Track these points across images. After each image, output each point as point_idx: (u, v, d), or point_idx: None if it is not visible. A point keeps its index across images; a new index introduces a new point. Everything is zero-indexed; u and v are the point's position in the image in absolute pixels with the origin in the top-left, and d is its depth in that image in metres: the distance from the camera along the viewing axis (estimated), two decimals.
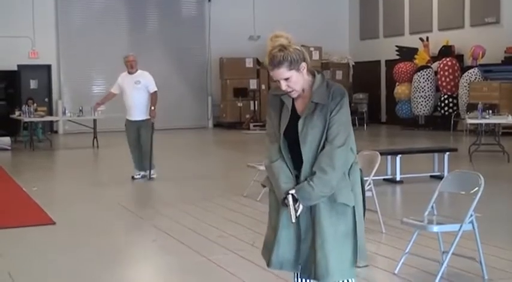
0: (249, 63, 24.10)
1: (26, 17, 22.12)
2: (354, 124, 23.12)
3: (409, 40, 23.20)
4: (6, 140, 17.63)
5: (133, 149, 11.41)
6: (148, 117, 11.20)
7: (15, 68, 22.18)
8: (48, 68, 22.92)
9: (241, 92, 23.59)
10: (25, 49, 22.30)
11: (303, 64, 3.46)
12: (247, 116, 23.55)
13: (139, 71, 11.29)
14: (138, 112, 11.18)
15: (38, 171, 13.63)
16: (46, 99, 22.81)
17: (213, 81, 24.77)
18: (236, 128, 22.97)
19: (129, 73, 11.24)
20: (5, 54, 21.66)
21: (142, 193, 10.67)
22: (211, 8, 24.66)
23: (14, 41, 21.91)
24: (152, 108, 11.16)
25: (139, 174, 11.43)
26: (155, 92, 11.21)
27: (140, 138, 11.29)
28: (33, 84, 22.83)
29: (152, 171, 11.39)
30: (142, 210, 8.76)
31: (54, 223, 7.99)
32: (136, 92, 11.14)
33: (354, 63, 25.23)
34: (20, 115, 18.58)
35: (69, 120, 19.21)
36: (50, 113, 21.11)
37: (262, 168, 9.25)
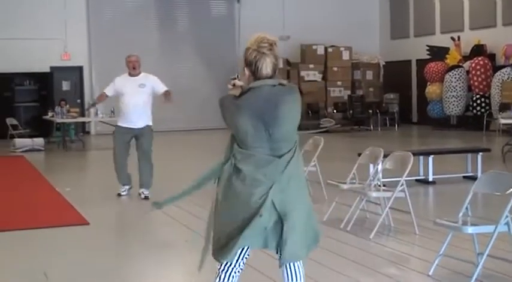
0: (280, 64, 24.04)
1: (58, 19, 22.35)
2: (384, 124, 23.13)
3: (440, 39, 23.01)
4: (39, 141, 17.83)
5: (121, 159, 9.98)
6: (151, 123, 10.01)
7: (48, 70, 22.42)
8: (80, 69, 23.13)
9: None
10: (57, 51, 22.54)
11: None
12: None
13: (142, 74, 10.02)
14: (140, 118, 9.86)
15: (71, 171, 13.77)
16: (78, 101, 23.02)
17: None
18: None
19: (131, 75, 9.92)
20: (38, 56, 21.91)
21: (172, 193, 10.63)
22: (241, 8, 24.70)
23: (47, 43, 22.15)
24: (169, 93, 9.93)
25: (124, 190, 10.12)
26: (168, 90, 9.98)
27: (138, 148, 9.99)
28: (65, 85, 23.06)
29: (147, 191, 9.91)
30: (175, 211, 8.78)
31: (88, 223, 8.07)
32: (140, 97, 9.84)
33: (384, 63, 25.08)
34: (52, 116, 18.79)
35: (101, 121, 19.35)
36: (82, 114, 21.26)
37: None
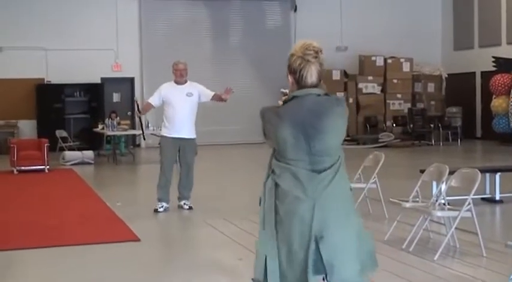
0: (336, 75, 24.00)
1: (109, 30, 22.69)
2: (446, 139, 22.82)
3: (507, 50, 22.64)
4: (89, 154, 18.08)
5: (167, 172, 10.04)
6: (195, 135, 10.09)
7: (99, 81, 22.76)
8: (131, 80, 23.41)
9: None
10: (108, 62, 22.88)
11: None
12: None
13: (188, 82, 10.10)
14: (187, 129, 9.93)
15: (121, 185, 13.92)
16: (129, 113, 23.23)
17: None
18: None
19: (177, 83, 9.98)
20: (88, 67, 22.26)
21: (226, 210, 10.61)
22: (297, 18, 24.73)
23: (98, 54, 22.51)
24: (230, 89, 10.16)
25: (162, 207, 10.07)
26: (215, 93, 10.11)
27: (182, 160, 10.11)
28: (116, 97, 23.36)
29: (189, 201, 10.26)
30: (228, 228, 8.79)
31: (139, 240, 8.12)
32: (189, 106, 9.92)
33: (447, 75, 24.78)
34: (103, 129, 19.05)
35: (152, 134, 19.49)
36: (132, 126, 21.52)
37: (353, 185, 9.14)
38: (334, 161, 3.53)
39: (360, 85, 24.10)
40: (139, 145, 22.98)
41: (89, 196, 12.08)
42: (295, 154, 3.53)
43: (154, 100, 10.09)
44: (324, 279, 3.48)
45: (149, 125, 19.34)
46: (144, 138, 18.56)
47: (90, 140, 21.13)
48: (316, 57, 3.58)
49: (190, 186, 10.21)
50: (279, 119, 3.57)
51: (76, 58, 22.18)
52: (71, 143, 20.17)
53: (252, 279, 3.64)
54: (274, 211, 3.57)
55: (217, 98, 10.12)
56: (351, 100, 23.90)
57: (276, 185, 3.56)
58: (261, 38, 24.19)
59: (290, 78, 3.63)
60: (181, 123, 9.88)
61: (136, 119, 16.72)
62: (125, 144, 20.02)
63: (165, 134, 10.01)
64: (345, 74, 24.16)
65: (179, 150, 10.01)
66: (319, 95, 3.57)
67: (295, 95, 3.59)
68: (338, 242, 3.46)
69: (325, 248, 3.44)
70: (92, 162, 17.85)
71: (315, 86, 3.58)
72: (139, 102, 11.65)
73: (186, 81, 10.03)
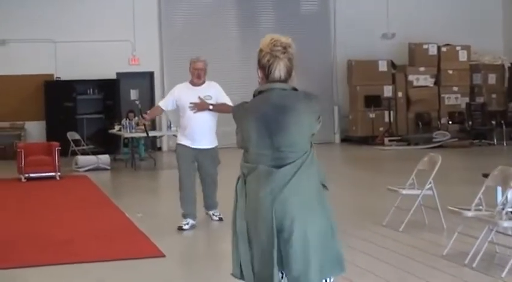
0: (383, 66, 23.89)
1: (125, 19, 22.78)
2: (510, 138, 22.56)
3: None
4: (104, 159, 18.18)
5: (188, 184, 9.71)
6: (216, 143, 9.82)
7: (114, 76, 22.88)
8: (150, 75, 23.51)
9: (373, 101, 23.40)
10: (125, 54, 22.99)
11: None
12: (381, 128, 23.32)
13: (206, 82, 9.78)
14: (205, 138, 9.65)
15: (142, 194, 13.96)
16: (148, 112, 23.32)
17: (339, 88, 24.70)
18: (368, 143, 22.77)
19: (193, 84, 9.71)
20: (102, 60, 22.37)
21: None
22: (337, 2, 24.64)
23: (113, 46, 22.61)
24: (208, 105, 9.59)
25: (187, 223, 9.73)
26: (230, 105, 9.32)
27: (202, 171, 9.88)
28: (133, 94, 23.46)
29: (217, 211, 10.13)
30: None
31: (163, 255, 8.13)
32: (206, 111, 9.60)
33: (510, 65, 24.53)
34: (119, 130, 19.11)
35: (175, 136, 19.50)
36: (153, 127, 21.59)
37: (406, 192, 9.16)
38: (298, 156, 3.87)
39: (410, 77, 23.95)
40: (160, 148, 23.07)
41: (106, 206, 12.14)
42: (258, 149, 3.91)
43: (165, 104, 9.84)
44: (282, 275, 3.88)
45: (171, 125, 19.37)
46: (148, 151, 18.82)
47: (106, 143, 21.24)
48: (284, 52, 3.95)
49: (214, 194, 10.08)
50: (244, 114, 4.00)
51: (89, 51, 22.30)
52: (84, 147, 20.30)
53: (231, 274, 4.04)
54: (243, 214, 3.95)
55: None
56: (400, 94, 23.79)
57: (245, 186, 3.96)
58: (295, 27, 23.98)
59: (259, 74, 4.03)
60: (198, 132, 9.58)
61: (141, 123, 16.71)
62: (145, 148, 20.08)
63: (181, 142, 9.72)
64: (392, 64, 24.03)
65: (197, 161, 9.75)
66: (284, 89, 3.95)
67: (260, 90, 4.00)
68: (296, 238, 3.79)
69: (283, 243, 3.80)
70: (108, 167, 17.94)
71: (283, 81, 3.96)
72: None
73: (204, 82, 9.74)
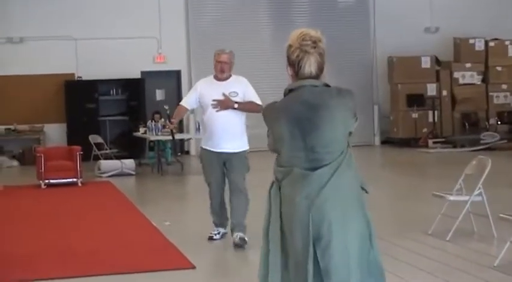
0: (426, 62, 23.77)
1: (150, 14, 22.87)
2: None
3: None
4: (129, 163, 18.27)
5: (216, 193, 9.43)
6: (246, 147, 9.29)
7: (139, 75, 22.99)
8: (177, 74, 23.60)
9: (416, 100, 23.30)
10: (150, 52, 23.09)
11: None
12: (425, 130, 23.20)
13: (233, 77, 9.31)
14: (231, 141, 9.11)
15: (169, 201, 14.01)
16: (173, 115, 23.41)
17: (379, 87, 24.61)
18: (411, 146, 22.66)
19: (217, 79, 9.24)
20: (126, 59, 22.47)
21: None
22: None
23: (137, 43, 22.69)
24: (233, 103, 9.09)
25: (218, 233, 9.64)
26: (259, 105, 8.98)
27: (228, 178, 9.35)
28: (159, 94, 23.52)
29: (244, 233, 9.27)
30: None
31: (194, 267, 8.16)
32: (231, 110, 9.08)
33: None
34: (145, 133, 19.20)
35: None
36: (180, 129, 21.63)
37: (453, 198, 9.11)
38: (335, 157, 3.91)
39: (456, 74, 23.81)
40: (188, 152, 23.13)
41: (131, 214, 12.21)
42: (292, 151, 3.96)
43: (188, 102, 9.39)
44: None
45: (200, 127, 19.37)
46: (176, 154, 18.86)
47: (130, 146, 21.34)
48: (314, 47, 4.01)
49: (242, 212, 9.26)
50: (275, 114, 4.06)
51: (111, 49, 22.41)
52: (108, 151, 20.37)
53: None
54: (280, 220, 3.99)
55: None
56: (444, 93, 23.66)
57: (280, 191, 4.01)
58: (331, 20, 23.98)
59: (289, 71, 4.10)
60: (221, 133, 9.04)
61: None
62: (172, 151, 20.12)
63: (204, 146, 9.34)
64: (436, 60, 23.90)
65: (225, 165, 9.26)
66: (316, 86, 4.00)
67: (291, 88, 4.06)
68: (335, 245, 3.82)
69: (321, 252, 3.81)
70: (133, 173, 18.03)
71: (314, 77, 4.02)
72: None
73: (229, 76, 9.27)
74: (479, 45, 23.98)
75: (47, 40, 22.22)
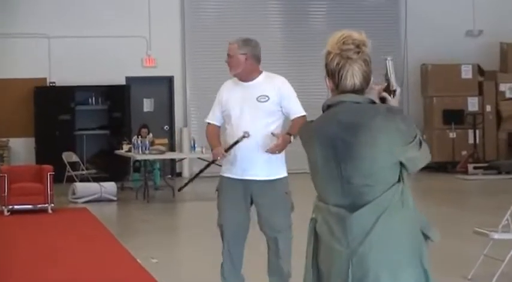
0: (466, 72, 23.77)
1: (139, 10, 23.03)
2: None
3: None
4: (110, 187, 18.24)
5: (233, 245, 7.85)
6: (284, 173, 7.84)
7: (123, 82, 23.09)
8: (169, 81, 23.66)
9: (454, 116, 23.29)
10: (137, 54, 23.17)
11: None
12: (464, 152, 23.16)
13: (263, 75, 7.98)
14: (258, 163, 7.67)
15: (158, 233, 13.95)
16: (166, 127, 23.43)
17: (411, 100, 24.58)
18: (447, 171, 22.66)
19: (241, 79, 7.95)
20: (109, 61, 22.61)
21: None
22: None
23: (123, 43, 22.77)
24: (289, 137, 7.68)
25: None
26: (304, 116, 7.80)
27: (261, 222, 7.82)
28: (147, 105, 23.57)
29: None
30: None
31: None
32: (260, 119, 7.73)
33: None
34: (129, 150, 19.16)
35: (200, 158, 19.55)
36: (171, 147, 21.61)
37: (499, 236, 9.05)
38: (379, 193, 3.73)
39: (502, 87, 23.80)
40: (180, 174, 23.10)
41: (112, 248, 12.16)
42: (326, 182, 3.86)
43: (216, 116, 8.08)
44: None
45: (195, 145, 19.40)
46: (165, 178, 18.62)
47: (111, 166, 21.34)
48: (358, 52, 3.87)
49: (283, 272, 7.86)
50: (308, 136, 3.96)
51: (91, 49, 22.49)
52: (84, 172, 20.36)
53: None
54: (312, 266, 3.93)
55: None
56: (488, 108, 23.62)
57: (315, 232, 3.92)
58: (355, 21, 23.98)
59: (329, 83, 3.97)
60: (248, 152, 7.65)
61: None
62: (161, 173, 20.11)
63: (224, 173, 7.92)
64: (479, 70, 23.90)
65: (252, 202, 7.85)
66: (358, 102, 3.85)
67: (329, 104, 3.93)
68: None
69: None
70: (114, 198, 18.01)
71: (358, 90, 3.88)
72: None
73: (258, 74, 7.93)
74: None
75: (13, 38, 22.26)
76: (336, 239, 3.74)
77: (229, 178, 7.79)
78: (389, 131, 3.75)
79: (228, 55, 8.00)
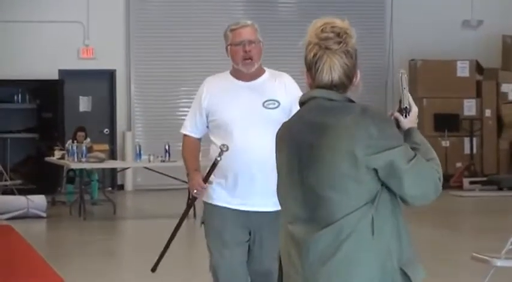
0: (463, 69, 23.90)
1: None
2: None
3: None
4: (39, 201, 18.08)
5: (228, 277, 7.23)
6: None
7: (56, 76, 23.03)
8: (110, 75, 23.67)
9: (448, 122, 23.40)
10: (73, 43, 23.12)
11: None
12: (459, 164, 23.27)
13: (267, 73, 7.25)
14: (263, 189, 6.84)
15: (96, 257, 13.90)
16: (106, 131, 23.37)
17: (396, 102, 24.39)
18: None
19: (239, 77, 7.16)
20: (38, 52, 22.52)
21: None
22: None
23: (55, 30, 22.71)
24: None
25: None
26: None
27: (257, 261, 7.17)
28: (84, 104, 23.52)
29: None
30: None
31: None
32: (266, 133, 6.57)
33: None
34: (62, 158, 19.10)
35: (147, 168, 19.53)
36: (112, 154, 21.57)
37: (502, 263, 9.08)
38: (343, 213, 3.67)
39: (504, 87, 23.93)
40: (123, 187, 23.03)
41: (41, 273, 12.06)
42: (287, 189, 3.87)
43: (196, 126, 7.27)
44: None
45: (141, 152, 19.33)
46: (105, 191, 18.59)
47: (41, 176, 21.24)
48: (340, 42, 3.88)
49: None
50: (278, 139, 4.00)
51: (17, 36, 22.40)
52: (8, 182, 20.27)
53: None
54: None
55: None
56: (487, 113, 23.74)
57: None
58: (333, 5, 24.09)
59: (307, 77, 3.97)
60: (249, 176, 7.06)
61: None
62: (100, 186, 20.04)
63: (214, 200, 7.15)
64: (477, 67, 24.03)
65: (250, 239, 7.22)
66: (331, 99, 3.85)
67: (301, 101, 3.99)
68: None
69: None
70: (44, 215, 17.87)
71: (337, 86, 3.87)
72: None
73: (261, 71, 7.23)
74: None
75: None
76: (292, 264, 3.77)
77: (222, 208, 7.05)
78: (356, 134, 3.70)
79: (247, 41, 6.99)
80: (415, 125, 4.09)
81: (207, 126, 7.19)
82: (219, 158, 6.89)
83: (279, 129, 3.99)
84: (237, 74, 7.10)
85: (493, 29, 24.35)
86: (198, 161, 7.18)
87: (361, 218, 3.65)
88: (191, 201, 7.50)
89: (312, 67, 3.85)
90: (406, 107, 4.12)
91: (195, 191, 6.97)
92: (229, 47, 7.09)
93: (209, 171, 6.96)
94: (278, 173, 3.92)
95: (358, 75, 3.95)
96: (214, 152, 6.98)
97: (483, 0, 24.57)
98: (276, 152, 3.96)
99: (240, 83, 7.09)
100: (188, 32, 22.94)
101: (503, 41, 24.34)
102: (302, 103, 3.91)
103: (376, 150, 3.69)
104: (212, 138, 7.11)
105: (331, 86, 3.83)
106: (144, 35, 23.29)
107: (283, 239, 3.85)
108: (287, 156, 3.83)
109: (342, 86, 3.85)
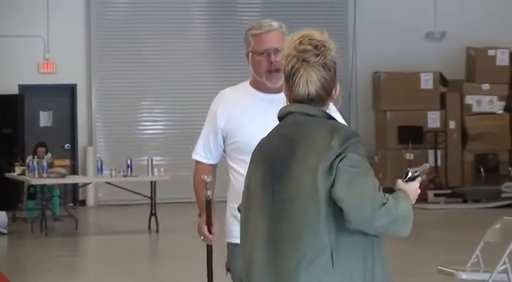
0: (426, 81, 23.95)
1: (35, 3, 22.91)
2: None
3: None
4: (0, 218, 18.06)
5: None
6: None
7: (16, 91, 22.92)
8: (71, 90, 23.55)
9: (412, 134, 23.45)
10: (33, 58, 23.02)
11: None
12: (423, 177, 23.29)
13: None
14: None
15: (58, 275, 13.88)
16: (67, 146, 23.28)
17: (359, 115, 24.68)
18: None
19: (264, 89, 6.08)
20: None
21: None
22: None
23: (15, 44, 22.60)
24: None
25: None
26: None
27: None
28: (45, 119, 23.41)
29: None
30: None
31: None
32: None
33: None
34: (22, 173, 19.06)
35: (108, 183, 19.48)
36: (74, 169, 21.49)
37: (467, 276, 9.14)
38: (307, 237, 3.64)
39: (469, 99, 24.00)
40: (84, 202, 22.96)
41: None
42: (259, 209, 3.78)
43: (207, 149, 6.29)
44: None
45: (102, 166, 19.31)
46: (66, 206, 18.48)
47: (1, 192, 21.10)
48: (318, 55, 3.82)
49: None
50: (253, 156, 3.95)
51: None
52: None
53: None
54: None
55: None
56: (452, 125, 23.80)
57: None
58: (295, 15, 24.04)
59: (285, 90, 3.95)
60: None
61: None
62: (61, 201, 19.98)
63: (234, 239, 5.91)
64: (441, 79, 24.09)
65: None
66: (308, 114, 3.82)
67: (278, 115, 3.96)
68: None
69: None
70: (5, 231, 17.85)
71: (314, 100, 3.82)
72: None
73: None
74: (502, 59, 24.24)
75: None
76: None
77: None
78: (321, 148, 3.68)
79: (275, 50, 5.95)
80: (409, 195, 4.04)
81: (224, 150, 6.22)
82: (208, 193, 6.00)
83: (256, 147, 3.95)
84: (259, 86, 6.13)
85: (456, 40, 24.40)
86: (199, 190, 6.17)
87: (320, 248, 3.62)
88: (208, 251, 6.29)
89: (289, 79, 3.84)
90: (408, 171, 4.25)
91: (202, 237, 6.12)
92: (250, 54, 6.12)
93: (207, 214, 6.02)
94: (252, 188, 3.84)
95: (338, 88, 3.89)
96: (236, 181, 5.95)
97: (446, 11, 24.60)
98: (249, 172, 3.91)
99: (265, 96, 6.08)
100: (149, 46, 22.97)
101: (467, 53, 24.41)
102: (280, 118, 3.90)
103: (347, 176, 3.63)
104: (231, 164, 6.12)
105: (307, 100, 3.81)
106: (104, 49, 23.26)
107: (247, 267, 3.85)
108: (260, 173, 3.80)
109: (319, 99, 3.82)
